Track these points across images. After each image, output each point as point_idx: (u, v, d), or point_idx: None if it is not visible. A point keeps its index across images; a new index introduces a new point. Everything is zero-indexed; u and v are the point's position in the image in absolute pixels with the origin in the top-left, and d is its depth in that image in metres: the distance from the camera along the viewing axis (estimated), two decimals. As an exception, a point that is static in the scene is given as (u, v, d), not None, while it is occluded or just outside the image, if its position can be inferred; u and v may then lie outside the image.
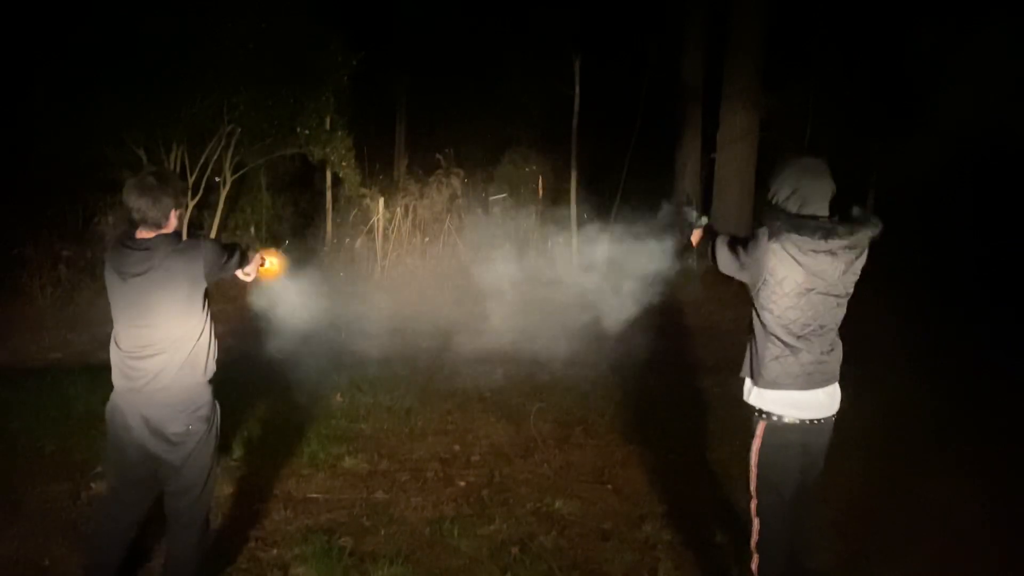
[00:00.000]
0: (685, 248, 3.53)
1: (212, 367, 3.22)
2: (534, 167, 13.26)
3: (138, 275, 3.01)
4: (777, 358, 3.06)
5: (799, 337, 3.03)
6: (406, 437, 5.37)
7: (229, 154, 9.55)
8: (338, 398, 6.06)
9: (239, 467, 4.79)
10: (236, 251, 3.33)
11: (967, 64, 9.68)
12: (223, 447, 5.02)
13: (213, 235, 9.81)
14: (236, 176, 9.87)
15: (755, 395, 3.17)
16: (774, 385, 3.09)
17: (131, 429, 3.09)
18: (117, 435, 3.14)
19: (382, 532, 4.08)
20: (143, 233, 3.06)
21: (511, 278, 10.23)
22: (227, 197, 9.86)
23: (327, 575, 3.69)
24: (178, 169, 9.30)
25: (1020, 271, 8.87)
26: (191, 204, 9.51)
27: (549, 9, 11.69)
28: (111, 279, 3.08)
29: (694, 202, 3.57)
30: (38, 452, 4.82)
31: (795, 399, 3.08)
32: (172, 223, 3.11)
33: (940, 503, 4.40)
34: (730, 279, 3.26)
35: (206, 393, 3.21)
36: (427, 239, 10.70)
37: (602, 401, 6.15)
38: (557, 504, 4.40)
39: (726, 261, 3.16)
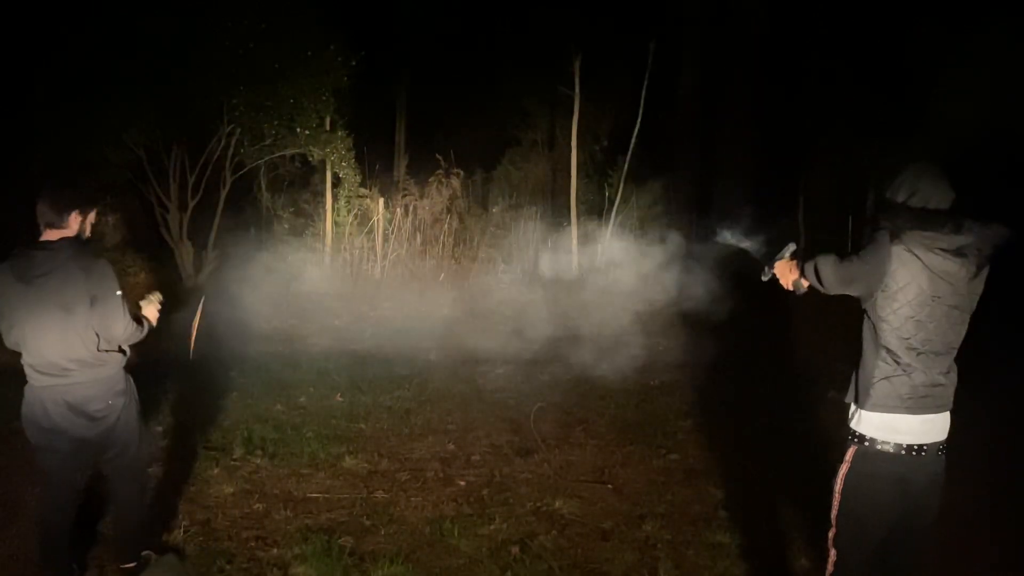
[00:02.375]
0: (786, 292, 3.13)
1: (123, 357, 3.42)
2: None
3: (42, 276, 3.21)
4: (888, 378, 2.74)
5: (918, 354, 2.72)
6: (406, 437, 5.37)
7: (229, 154, 9.55)
8: (338, 398, 6.06)
9: (239, 467, 4.79)
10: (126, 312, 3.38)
11: (968, 63, 9.68)
12: (223, 447, 5.05)
13: (213, 235, 9.80)
14: (236, 176, 9.86)
15: (856, 419, 2.84)
16: (880, 407, 2.76)
17: (54, 417, 3.28)
18: (39, 426, 3.32)
19: (382, 532, 4.08)
20: (47, 235, 3.29)
21: (511, 279, 10.25)
22: (227, 197, 9.86)
23: (327, 575, 3.69)
24: (178, 169, 9.31)
25: (1022, 270, 8.86)
26: (191, 204, 9.51)
27: (549, 9, 11.69)
28: (9, 283, 3.24)
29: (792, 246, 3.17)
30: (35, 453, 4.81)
31: (897, 424, 2.76)
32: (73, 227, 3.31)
33: (941, 501, 4.40)
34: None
35: (120, 372, 3.43)
36: (427, 239, 10.70)
37: (602, 401, 6.15)
38: (557, 504, 4.40)
39: (835, 275, 2.81)
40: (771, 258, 3.16)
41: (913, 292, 2.69)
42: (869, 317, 2.80)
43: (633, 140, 11.93)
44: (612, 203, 11.65)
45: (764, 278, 3.18)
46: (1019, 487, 4.59)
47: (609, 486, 4.68)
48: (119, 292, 3.30)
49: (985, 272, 2.75)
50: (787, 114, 11.75)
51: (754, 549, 3.95)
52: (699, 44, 12.57)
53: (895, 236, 2.69)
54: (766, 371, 6.89)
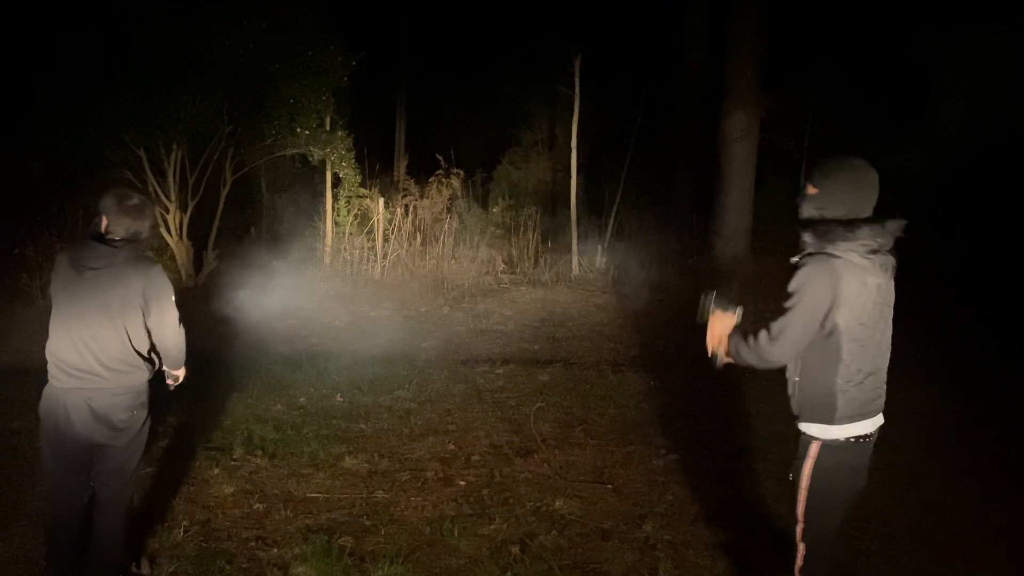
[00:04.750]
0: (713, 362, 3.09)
1: (151, 367, 3.39)
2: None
3: (97, 269, 3.17)
4: (848, 388, 2.80)
5: (871, 356, 2.81)
6: (406, 437, 5.37)
7: (229, 154, 9.55)
8: (338, 398, 6.06)
9: (239, 467, 4.78)
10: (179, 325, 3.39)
11: (968, 62, 9.68)
12: (223, 447, 5.05)
13: (213, 235, 9.80)
14: (236, 176, 9.87)
15: (817, 430, 2.87)
16: (846, 419, 2.81)
17: (75, 423, 3.22)
18: (57, 431, 3.26)
19: (382, 532, 4.08)
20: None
21: (511, 279, 10.25)
22: (227, 197, 9.86)
23: (327, 575, 3.69)
24: (178, 169, 9.31)
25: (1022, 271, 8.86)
26: (191, 204, 9.52)
27: (549, 9, 11.70)
28: (64, 269, 3.22)
29: (725, 297, 3.11)
30: (38, 452, 4.79)
31: (857, 425, 2.85)
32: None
33: (939, 502, 4.41)
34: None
35: (146, 383, 3.39)
36: (427, 239, 10.70)
37: (602, 401, 6.14)
38: (557, 504, 4.40)
39: (783, 349, 2.80)
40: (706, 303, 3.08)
41: (857, 299, 2.74)
42: (821, 335, 2.79)
43: (633, 140, 11.95)
44: (612, 203, 11.66)
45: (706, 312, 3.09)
46: (1018, 484, 4.59)
47: (609, 486, 4.68)
48: (173, 298, 3.33)
49: (891, 264, 2.85)
50: (787, 114, 11.76)
51: (755, 549, 3.95)
52: (700, 44, 12.56)
53: (833, 252, 2.73)
54: (766, 371, 6.88)
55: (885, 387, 2.92)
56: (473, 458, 5.05)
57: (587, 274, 10.62)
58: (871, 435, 2.88)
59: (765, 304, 8.76)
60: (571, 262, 10.74)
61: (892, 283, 2.86)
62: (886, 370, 2.91)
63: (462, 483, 4.68)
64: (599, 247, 11.14)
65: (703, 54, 12.37)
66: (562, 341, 8.00)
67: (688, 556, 3.91)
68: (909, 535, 4.08)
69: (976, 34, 9.60)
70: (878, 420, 2.91)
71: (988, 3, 9.86)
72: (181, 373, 3.56)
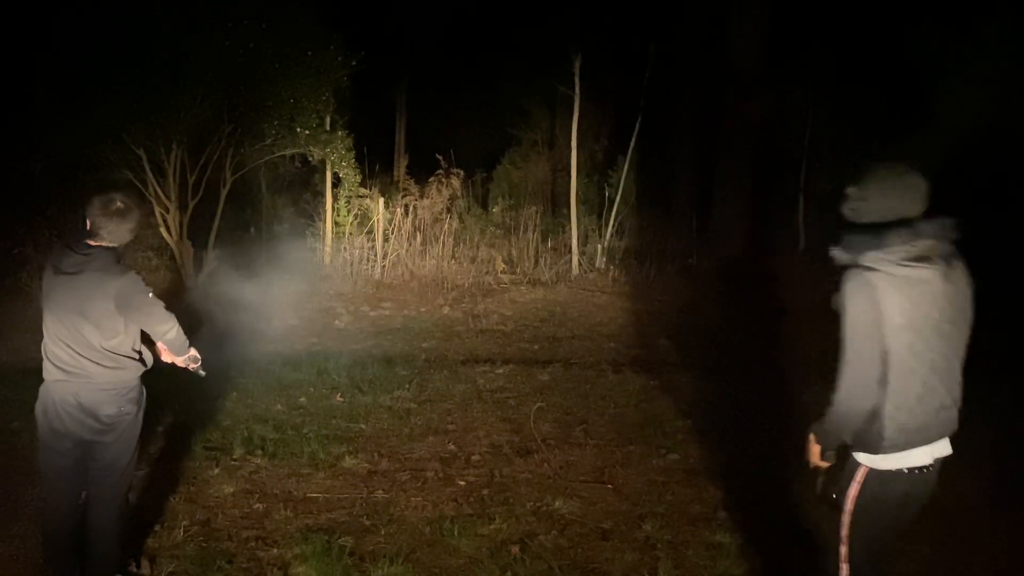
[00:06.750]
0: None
1: (141, 365, 3.40)
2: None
3: (70, 274, 3.22)
4: (903, 411, 2.58)
5: (920, 377, 2.57)
6: (406, 437, 5.37)
7: (229, 154, 9.54)
8: (338, 398, 6.06)
9: (239, 467, 4.79)
10: (166, 318, 3.38)
11: (968, 62, 9.67)
12: (223, 447, 5.05)
13: (213, 235, 9.80)
14: (236, 176, 9.86)
15: (864, 458, 2.68)
16: (901, 448, 2.61)
17: (63, 417, 3.27)
18: (50, 426, 3.31)
19: (382, 532, 4.08)
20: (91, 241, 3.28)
21: (511, 279, 10.25)
22: (227, 197, 9.86)
23: (327, 575, 3.69)
24: (178, 169, 9.31)
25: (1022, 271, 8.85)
26: (191, 204, 9.52)
27: (549, 9, 11.69)
28: (49, 274, 3.30)
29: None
30: (38, 452, 4.80)
31: (911, 454, 2.64)
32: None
33: (939, 502, 4.40)
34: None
35: (135, 379, 3.40)
36: (427, 239, 10.71)
37: (602, 401, 6.14)
38: (557, 504, 4.40)
39: (863, 387, 2.57)
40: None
41: (901, 316, 2.52)
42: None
43: (633, 140, 11.94)
44: (612, 203, 11.65)
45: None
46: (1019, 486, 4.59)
47: (609, 486, 4.68)
48: (151, 294, 3.33)
49: (959, 271, 2.61)
50: (788, 114, 11.75)
51: (754, 549, 3.95)
52: (700, 44, 12.55)
53: (861, 266, 2.54)
54: (767, 371, 6.88)
55: (951, 413, 2.66)
56: (473, 458, 5.05)
57: (587, 274, 10.61)
58: (930, 466, 2.66)
59: (767, 304, 8.78)
60: (571, 262, 10.74)
61: (957, 292, 2.60)
62: (954, 393, 2.66)
63: (462, 483, 4.68)
64: (599, 247, 11.14)
65: (703, 54, 12.37)
66: (562, 341, 7.99)
67: (688, 556, 3.91)
68: (909, 535, 4.07)
69: (977, 34, 9.60)
70: (939, 449, 2.68)
71: (988, 3, 9.86)
72: (194, 353, 3.56)
